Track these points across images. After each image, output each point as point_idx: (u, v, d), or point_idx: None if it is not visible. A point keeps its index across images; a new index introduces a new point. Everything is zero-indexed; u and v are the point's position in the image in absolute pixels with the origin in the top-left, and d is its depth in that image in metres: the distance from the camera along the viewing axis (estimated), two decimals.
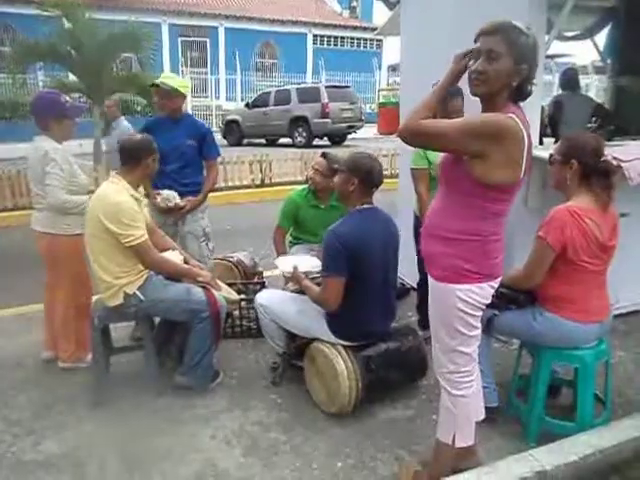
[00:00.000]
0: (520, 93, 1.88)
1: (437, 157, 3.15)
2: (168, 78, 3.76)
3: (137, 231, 2.79)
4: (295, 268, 2.95)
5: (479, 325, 2.06)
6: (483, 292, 1.99)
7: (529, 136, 1.85)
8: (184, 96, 3.80)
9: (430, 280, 2.05)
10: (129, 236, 2.76)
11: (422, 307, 3.67)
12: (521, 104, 1.92)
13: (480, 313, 2.03)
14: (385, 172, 3.01)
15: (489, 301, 2.03)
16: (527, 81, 1.85)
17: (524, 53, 1.80)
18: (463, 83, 1.97)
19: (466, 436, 2.15)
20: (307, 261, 3.18)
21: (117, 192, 2.82)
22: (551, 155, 2.47)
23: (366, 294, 2.71)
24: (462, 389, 2.09)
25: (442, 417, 2.18)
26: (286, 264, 3.11)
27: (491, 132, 1.78)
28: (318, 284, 2.85)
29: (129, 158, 2.92)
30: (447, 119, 2.05)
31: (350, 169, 2.69)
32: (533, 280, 2.41)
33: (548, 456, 2.21)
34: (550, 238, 2.31)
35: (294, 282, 3.01)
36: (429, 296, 2.09)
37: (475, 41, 1.87)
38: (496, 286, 2.04)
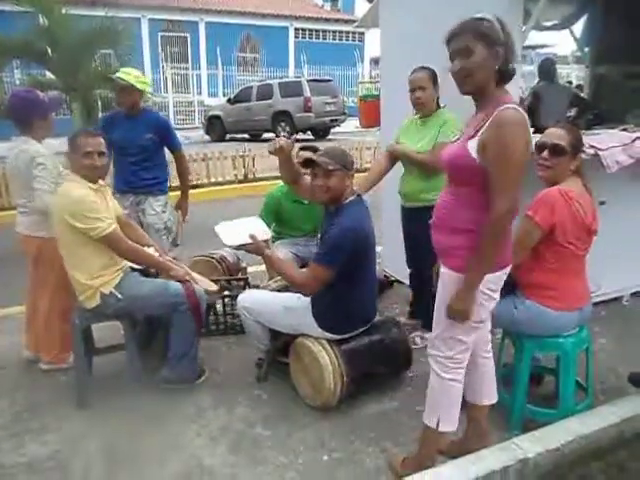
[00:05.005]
0: (505, 75, 1.91)
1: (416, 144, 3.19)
2: (125, 73, 3.73)
3: (102, 222, 2.74)
4: (253, 237, 2.65)
5: (484, 317, 2.07)
6: (497, 280, 2.02)
7: None
8: (141, 92, 3.76)
9: (445, 270, 2.05)
10: (96, 228, 2.72)
11: (417, 299, 3.64)
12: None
13: (490, 304, 2.05)
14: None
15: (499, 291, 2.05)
16: (507, 62, 1.89)
17: (493, 37, 1.85)
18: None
19: (451, 420, 2.16)
20: (253, 225, 2.84)
21: (75, 188, 2.78)
22: (559, 145, 2.40)
23: (357, 284, 2.71)
24: (452, 373, 2.11)
25: (429, 401, 2.19)
26: (233, 234, 2.71)
27: (523, 143, 1.83)
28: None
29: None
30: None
31: (345, 165, 2.67)
32: (514, 260, 2.40)
33: (530, 444, 2.23)
34: (539, 217, 2.31)
35: (253, 252, 2.72)
36: (439, 285, 2.10)
37: (448, 47, 1.92)
38: (507, 273, 2.05)
